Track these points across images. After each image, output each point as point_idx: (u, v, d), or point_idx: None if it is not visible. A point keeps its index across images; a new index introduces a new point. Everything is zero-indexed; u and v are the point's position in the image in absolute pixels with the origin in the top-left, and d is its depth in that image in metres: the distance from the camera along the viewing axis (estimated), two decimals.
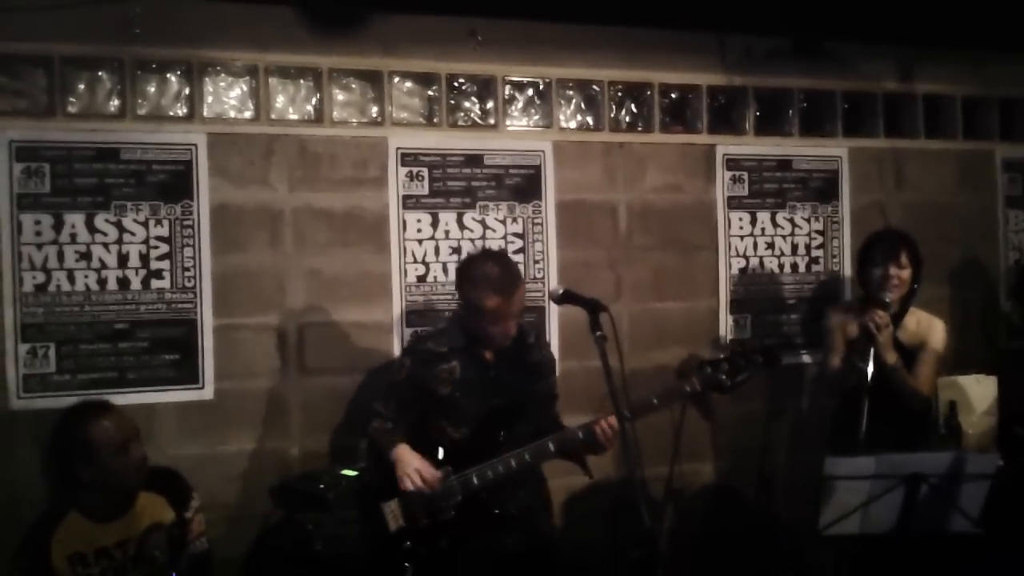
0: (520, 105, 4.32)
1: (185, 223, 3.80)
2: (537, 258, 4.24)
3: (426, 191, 4.11)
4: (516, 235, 4.23)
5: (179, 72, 3.83)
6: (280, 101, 3.99)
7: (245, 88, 3.93)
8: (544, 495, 3.42)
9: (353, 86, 4.09)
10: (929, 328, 3.74)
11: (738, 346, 3.29)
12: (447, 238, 4.13)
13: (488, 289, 3.09)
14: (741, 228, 4.60)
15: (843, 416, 3.60)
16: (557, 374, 3.53)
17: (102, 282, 3.70)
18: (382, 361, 4.00)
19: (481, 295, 3.10)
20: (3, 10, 3.53)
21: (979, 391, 4.35)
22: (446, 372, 3.23)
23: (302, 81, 4.01)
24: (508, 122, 4.27)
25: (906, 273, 3.67)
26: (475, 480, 3.12)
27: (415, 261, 4.09)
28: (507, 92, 4.27)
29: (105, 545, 3.03)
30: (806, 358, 4.65)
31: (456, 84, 4.20)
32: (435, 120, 4.17)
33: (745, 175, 4.60)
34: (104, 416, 3.05)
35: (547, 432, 3.20)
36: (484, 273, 3.14)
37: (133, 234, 3.74)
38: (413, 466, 3.10)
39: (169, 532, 3.11)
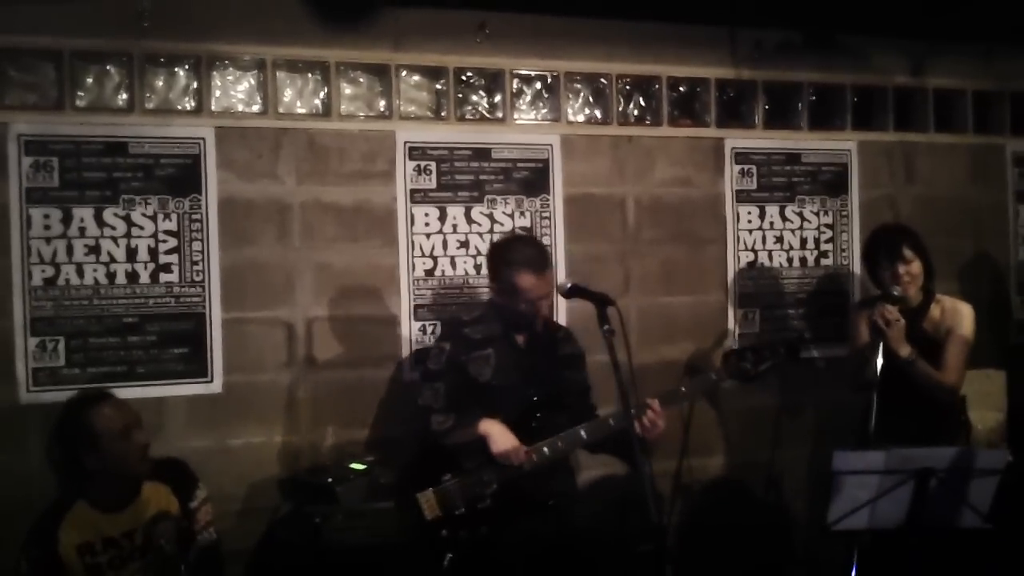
0: (528, 99, 4.31)
1: (193, 217, 3.80)
2: None
3: (434, 185, 4.11)
4: (524, 229, 4.22)
5: (187, 66, 3.84)
6: (288, 95, 3.99)
7: (253, 82, 3.93)
8: (575, 485, 3.52)
9: (361, 80, 4.09)
10: (954, 314, 3.64)
11: (762, 337, 3.43)
12: (455, 232, 4.13)
13: (525, 267, 3.26)
14: (750, 222, 4.58)
15: (891, 410, 3.56)
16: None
17: (111, 276, 3.71)
18: (390, 355, 4.01)
19: (516, 274, 3.25)
20: (12, 3, 3.54)
21: (988, 386, 4.34)
22: (482, 359, 3.34)
23: (310, 75, 4.01)
24: (516, 116, 4.27)
25: (915, 266, 3.62)
26: (509, 468, 3.20)
27: (423, 255, 4.09)
28: (515, 86, 4.26)
29: (112, 535, 3.06)
30: (814, 352, 4.64)
31: (464, 78, 4.20)
32: (443, 114, 4.16)
33: (754, 169, 4.59)
34: (103, 403, 3.10)
35: (582, 422, 3.28)
36: (520, 253, 3.31)
37: (142, 228, 3.74)
38: (512, 443, 3.18)
39: (177, 523, 3.13)
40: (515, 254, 3.32)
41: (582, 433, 3.24)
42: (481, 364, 3.34)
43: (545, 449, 3.21)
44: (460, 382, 3.33)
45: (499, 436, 3.20)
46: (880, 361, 3.41)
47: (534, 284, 3.25)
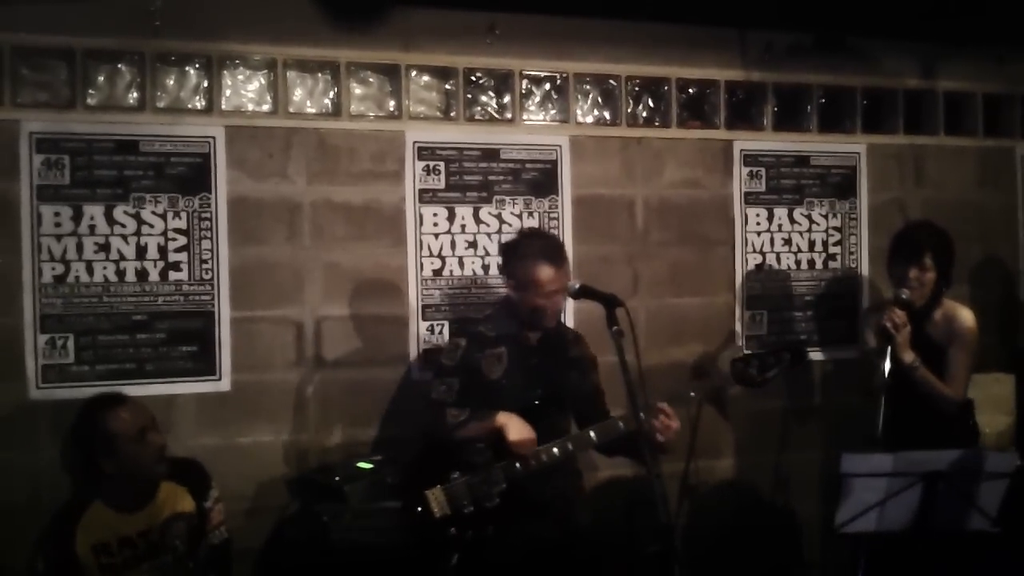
0: (537, 99, 4.31)
1: (203, 215, 3.81)
2: None
3: (443, 185, 4.11)
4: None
5: (198, 65, 3.85)
6: (298, 94, 4.00)
7: (263, 81, 3.94)
8: (578, 486, 3.51)
9: (371, 80, 4.09)
10: (954, 319, 3.60)
11: (767, 341, 3.41)
12: (463, 232, 4.13)
13: (541, 260, 3.27)
14: (758, 224, 4.58)
15: (900, 415, 3.54)
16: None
17: (120, 274, 3.72)
18: (398, 355, 4.01)
19: (534, 267, 3.27)
20: (25, 2, 3.55)
21: (997, 390, 4.34)
22: (495, 357, 3.35)
23: (320, 75, 4.02)
24: (525, 116, 4.27)
25: (928, 276, 3.58)
26: (519, 467, 3.20)
27: (431, 255, 4.09)
28: (524, 86, 4.26)
29: (129, 535, 3.07)
30: (820, 355, 4.63)
31: (473, 78, 4.20)
32: (452, 114, 4.17)
33: (763, 171, 4.59)
34: (119, 407, 3.12)
35: (590, 425, 3.28)
36: (534, 247, 3.33)
37: (151, 226, 3.76)
38: (529, 434, 3.18)
39: (189, 522, 3.14)
40: (532, 247, 3.35)
41: (592, 435, 3.25)
42: (493, 362, 3.36)
43: (555, 450, 3.22)
44: (471, 380, 3.34)
45: (517, 426, 3.19)
46: (888, 366, 3.40)
47: (552, 277, 3.27)
